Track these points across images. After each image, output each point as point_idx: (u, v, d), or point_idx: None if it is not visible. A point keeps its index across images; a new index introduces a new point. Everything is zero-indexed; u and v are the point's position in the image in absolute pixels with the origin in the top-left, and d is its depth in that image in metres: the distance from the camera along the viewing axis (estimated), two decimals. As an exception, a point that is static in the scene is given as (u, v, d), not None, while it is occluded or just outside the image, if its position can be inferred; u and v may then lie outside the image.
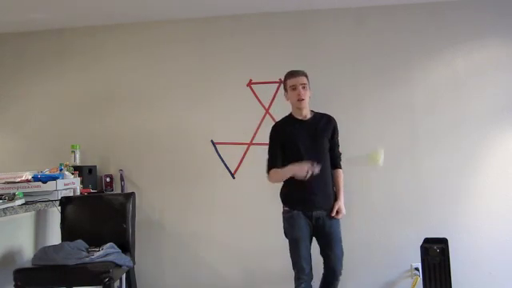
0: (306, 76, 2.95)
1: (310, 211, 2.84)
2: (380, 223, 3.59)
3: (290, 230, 2.88)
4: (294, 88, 2.90)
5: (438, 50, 3.66)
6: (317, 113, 3.00)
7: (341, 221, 2.91)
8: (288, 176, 2.83)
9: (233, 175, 3.76)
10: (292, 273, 2.84)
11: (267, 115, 3.71)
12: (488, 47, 3.64)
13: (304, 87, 2.90)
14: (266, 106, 3.73)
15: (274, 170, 2.88)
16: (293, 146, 2.87)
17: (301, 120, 2.94)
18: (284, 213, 2.91)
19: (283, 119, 3.04)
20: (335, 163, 3.00)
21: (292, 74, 2.95)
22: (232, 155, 3.75)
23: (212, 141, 3.78)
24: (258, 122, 3.72)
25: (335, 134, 2.99)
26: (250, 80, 3.77)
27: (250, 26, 3.83)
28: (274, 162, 2.89)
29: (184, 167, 3.80)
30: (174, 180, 3.81)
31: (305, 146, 2.86)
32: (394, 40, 3.70)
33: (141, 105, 3.88)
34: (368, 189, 3.59)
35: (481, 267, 3.47)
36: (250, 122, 3.74)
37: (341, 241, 2.91)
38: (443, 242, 3.26)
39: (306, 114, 2.94)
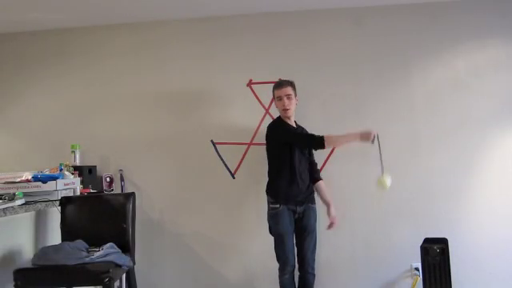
0: (292, 85, 3.16)
1: (295, 206, 3.07)
2: (380, 223, 3.59)
3: (275, 225, 3.08)
4: (280, 98, 3.14)
5: (438, 51, 3.66)
6: (298, 124, 3.26)
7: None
8: (351, 141, 2.99)
9: (233, 175, 3.76)
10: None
11: (267, 115, 3.71)
12: (488, 47, 3.63)
13: (288, 97, 3.13)
14: (266, 106, 3.73)
15: (330, 135, 2.99)
16: (288, 147, 3.09)
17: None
18: (271, 209, 3.09)
19: (280, 120, 3.22)
20: (318, 176, 3.26)
21: (278, 85, 3.18)
22: (232, 155, 3.74)
23: (212, 141, 3.78)
24: (258, 122, 3.72)
25: None
26: (250, 80, 3.77)
27: (249, 25, 3.83)
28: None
29: (184, 167, 3.80)
30: (174, 180, 3.81)
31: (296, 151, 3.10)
32: (394, 40, 3.70)
33: (141, 105, 3.87)
34: (368, 189, 3.58)
35: (481, 267, 3.47)
36: (250, 122, 3.74)
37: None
38: (443, 241, 3.26)
39: (293, 122, 3.19)
